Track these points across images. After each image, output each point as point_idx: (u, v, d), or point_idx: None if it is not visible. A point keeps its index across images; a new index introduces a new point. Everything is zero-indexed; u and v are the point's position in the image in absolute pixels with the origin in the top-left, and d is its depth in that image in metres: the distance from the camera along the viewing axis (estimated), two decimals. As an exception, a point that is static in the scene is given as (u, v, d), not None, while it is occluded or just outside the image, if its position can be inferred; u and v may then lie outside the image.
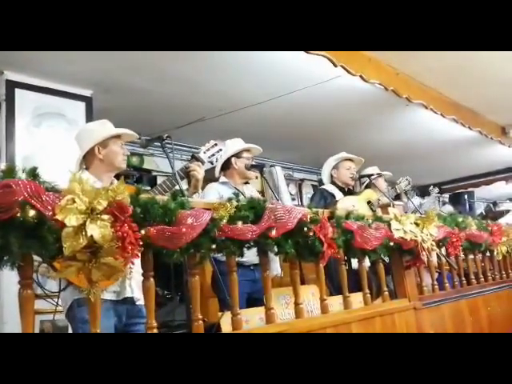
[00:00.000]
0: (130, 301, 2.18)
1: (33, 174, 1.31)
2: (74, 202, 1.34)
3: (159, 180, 5.02)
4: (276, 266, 3.34)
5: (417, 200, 5.72)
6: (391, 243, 2.63)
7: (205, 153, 2.69)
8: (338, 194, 3.74)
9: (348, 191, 3.83)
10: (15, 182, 1.25)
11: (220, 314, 2.03)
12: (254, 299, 2.64)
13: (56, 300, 2.16)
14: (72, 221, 1.32)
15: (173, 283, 3.82)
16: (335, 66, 3.18)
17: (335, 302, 2.50)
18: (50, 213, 1.30)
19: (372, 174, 3.99)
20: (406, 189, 4.16)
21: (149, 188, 4.72)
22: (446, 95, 4.54)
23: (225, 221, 1.73)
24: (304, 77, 3.95)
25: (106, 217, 1.38)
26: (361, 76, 3.41)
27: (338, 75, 3.59)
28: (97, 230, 1.35)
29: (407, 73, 3.93)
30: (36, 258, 1.39)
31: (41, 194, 1.28)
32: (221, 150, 2.80)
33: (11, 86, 3.62)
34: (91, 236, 1.34)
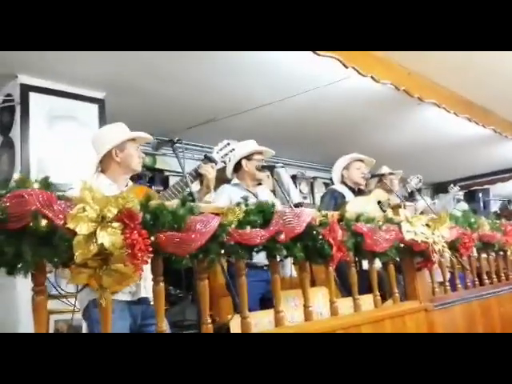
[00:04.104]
0: (145, 301, 2.21)
1: (45, 183, 1.34)
2: (85, 210, 1.37)
3: (171, 180, 5.07)
4: (288, 266, 3.36)
5: (428, 199, 5.67)
6: (402, 245, 2.63)
7: (218, 152, 2.72)
8: (348, 194, 3.73)
9: (358, 191, 3.82)
10: (28, 192, 1.28)
11: (229, 316, 2.05)
12: (268, 299, 2.66)
13: (69, 300, 2.21)
14: (83, 229, 1.35)
15: (184, 282, 3.84)
16: (346, 67, 3.18)
17: (345, 305, 2.51)
18: (62, 221, 1.33)
19: (383, 174, 3.98)
20: (416, 187, 4.13)
21: (162, 188, 4.81)
22: (459, 94, 4.50)
23: (233, 225, 1.76)
24: (314, 77, 3.95)
25: (116, 224, 1.41)
26: (371, 77, 3.40)
27: (348, 76, 3.58)
28: (107, 238, 1.38)
29: (419, 72, 3.90)
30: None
31: (52, 204, 1.31)
32: (234, 149, 2.82)
33: (25, 89, 3.68)
34: (102, 243, 1.37)
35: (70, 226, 1.34)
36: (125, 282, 1.47)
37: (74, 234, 1.35)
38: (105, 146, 2.35)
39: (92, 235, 1.37)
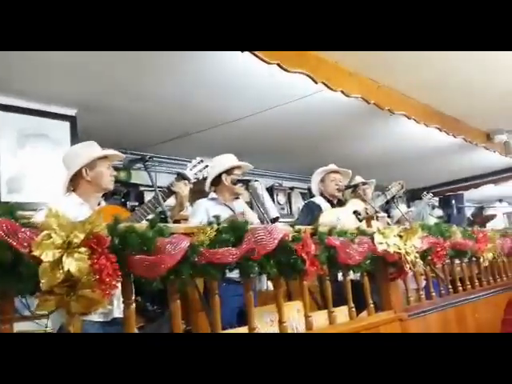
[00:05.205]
0: (120, 322, 2.19)
1: (9, 211, 1.32)
2: (51, 236, 1.36)
3: (146, 195, 5.03)
4: (264, 280, 3.36)
5: (404, 207, 5.75)
6: (375, 256, 2.65)
7: (191, 169, 2.72)
8: (326, 207, 3.75)
9: (338, 202, 3.85)
10: (-10, 221, 1.26)
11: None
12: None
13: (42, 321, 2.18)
14: (48, 256, 1.34)
15: (161, 298, 3.79)
16: (316, 82, 3.21)
17: (322, 317, 2.52)
18: (27, 249, 1.32)
19: (357, 184, 4.02)
20: (397, 194, 4.15)
21: (136, 204, 4.77)
22: (429, 105, 4.59)
23: (205, 245, 1.76)
24: (287, 91, 3.98)
25: (83, 249, 1.40)
26: (342, 91, 3.45)
27: (320, 90, 3.63)
28: (74, 264, 1.36)
29: (388, 85, 3.97)
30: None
31: (17, 232, 1.30)
32: (207, 166, 2.82)
33: (-6, 108, 3.63)
34: (68, 270, 1.36)
35: (36, 253, 1.32)
36: (93, 307, 1.45)
37: (40, 261, 1.34)
38: (74, 164, 2.34)
39: (58, 262, 1.36)
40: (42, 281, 1.33)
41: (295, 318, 2.49)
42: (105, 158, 2.43)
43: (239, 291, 2.77)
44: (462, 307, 3.43)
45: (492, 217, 7.32)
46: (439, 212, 7.21)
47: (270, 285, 3.08)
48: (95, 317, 2.06)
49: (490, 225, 6.77)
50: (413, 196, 8.96)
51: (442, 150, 6.43)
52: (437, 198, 8.52)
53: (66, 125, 3.89)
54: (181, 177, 2.62)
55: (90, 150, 2.43)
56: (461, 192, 8.97)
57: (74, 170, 2.35)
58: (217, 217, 1.95)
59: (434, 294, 3.30)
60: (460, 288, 3.61)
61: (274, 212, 3.49)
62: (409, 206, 7.79)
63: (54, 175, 3.26)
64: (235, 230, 1.90)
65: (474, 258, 3.78)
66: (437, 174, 8.16)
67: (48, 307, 1.41)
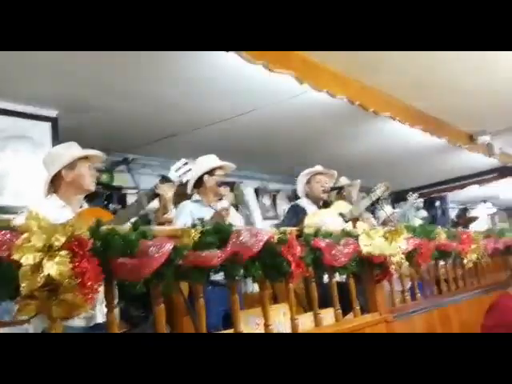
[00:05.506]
0: (101, 328, 2.15)
1: (-14, 213, 1.29)
2: (31, 240, 1.32)
3: (129, 197, 4.98)
4: (250, 282, 3.34)
5: (389, 208, 5.77)
6: (361, 257, 2.65)
7: (175, 171, 2.69)
8: (311, 209, 3.75)
9: (324, 204, 3.84)
10: (-32, 225, 1.23)
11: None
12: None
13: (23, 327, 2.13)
14: (29, 259, 1.31)
15: (146, 302, 3.75)
16: (301, 83, 3.21)
17: (308, 320, 2.51)
18: (7, 253, 1.28)
19: (342, 186, 4.02)
20: (382, 195, 4.15)
21: (119, 206, 4.72)
22: (413, 106, 4.62)
23: (189, 248, 1.73)
24: (273, 92, 3.97)
25: (64, 253, 1.37)
26: (327, 92, 3.45)
27: (305, 91, 3.63)
28: (54, 268, 1.33)
29: (373, 86, 3.99)
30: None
31: (-5, 235, 1.26)
32: (191, 168, 2.80)
33: (-27, 110, 3.56)
34: (49, 274, 1.33)
35: (15, 257, 1.29)
36: (75, 312, 1.42)
37: (20, 264, 1.31)
38: (54, 166, 2.30)
39: (39, 265, 1.33)
40: (23, 285, 1.30)
41: (281, 320, 2.48)
42: (86, 158, 2.40)
43: (224, 294, 2.77)
44: (446, 308, 3.45)
45: (475, 218, 7.41)
46: (424, 213, 7.28)
47: (256, 287, 3.06)
48: (77, 322, 2.02)
49: (473, 226, 6.85)
50: (397, 197, 9.03)
51: (427, 151, 6.48)
52: (421, 200, 8.62)
53: (48, 126, 3.83)
54: (165, 179, 2.59)
55: (70, 150, 2.39)
56: (445, 193, 9.07)
57: (53, 172, 2.32)
58: (201, 219, 1.93)
59: (418, 295, 3.32)
60: (444, 289, 3.63)
61: (258, 213, 3.48)
62: (394, 208, 7.84)
63: (36, 177, 3.20)
64: (220, 233, 1.88)
65: (458, 260, 3.80)
66: (421, 176, 8.22)
67: (29, 312, 1.38)
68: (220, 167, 3.25)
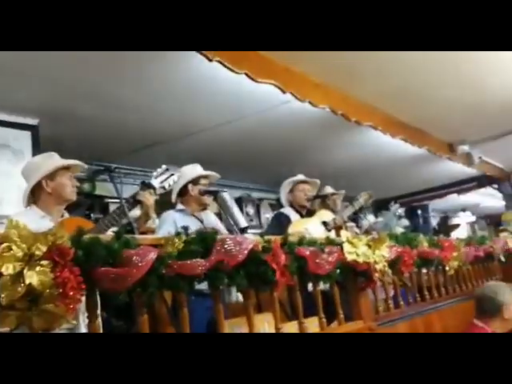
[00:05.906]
0: None
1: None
2: (11, 249, 1.30)
3: (111, 206, 4.93)
4: (234, 292, 3.32)
5: (372, 217, 5.81)
6: (345, 266, 2.66)
7: (156, 178, 2.67)
8: (295, 217, 3.76)
9: (307, 213, 3.86)
10: None
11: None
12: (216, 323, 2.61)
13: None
14: (9, 269, 1.28)
15: (127, 312, 3.70)
16: (284, 92, 3.24)
17: (292, 329, 2.50)
18: (-14, 263, 1.25)
19: (326, 195, 4.05)
20: (365, 204, 4.19)
21: (101, 215, 4.66)
22: (395, 116, 4.69)
23: (173, 256, 1.72)
24: (256, 101, 3.99)
25: (45, 262, 1.34)
26: (309, 102, 3.48)
27: (288, 100, 3.65)
28: (35, 277, 1.31)
29: (356, 96, 4.04)
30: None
31: (-26, 245, 1.23)
32: (173, 174, 2.79)
33: (-49, 118, 3.49)
34: (30, 283, 1.30)
35: (-5, 266, 1.26)
36: (57, 322, 1.39)
37: (0, 274, 1.28)
38: (34, 176, 2.27)
39: (19, 275, 1.30)
40: (2, 295, 1.27)
41: (265, 329, 2.47)
42: (66, 168, 2.38)
43: (208, 303, 2.75)
44: (429, 316, 3.47)
45: (456, 226, 7.50)
46: (406, 222, 7.35)
47: (240, 297, 3.04)
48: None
49: (453, 234, 6.93)
50: (379, 206, 9.11)
51: (408, 160, 6.56)
52: (403, 209, 8.71)
53: (28, 135, 3.77)
54: (146, 186, 2.57)
55: (50, 160, 2.37)
56: (426, 202, 9.17)
57: (33, 182, 2.29)
58: (185, 228, 1.92)
59: (401, 303, 3.33)
60: (427, 296, 3.66)
61: (243, 222, 3.48)
62: (376, 217, 7.89)
63: (15, 187, 3.15)
64: (204, 241, 1.87)
65: (440, 267, 3.84)
66: (403, 185, 8.31)
67: (9, 323, 1.34)
68: (205, 176, 3.24)
